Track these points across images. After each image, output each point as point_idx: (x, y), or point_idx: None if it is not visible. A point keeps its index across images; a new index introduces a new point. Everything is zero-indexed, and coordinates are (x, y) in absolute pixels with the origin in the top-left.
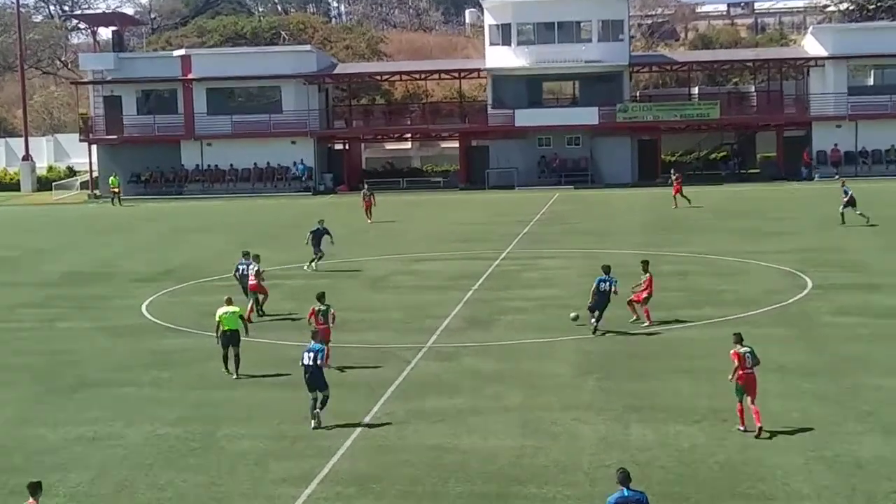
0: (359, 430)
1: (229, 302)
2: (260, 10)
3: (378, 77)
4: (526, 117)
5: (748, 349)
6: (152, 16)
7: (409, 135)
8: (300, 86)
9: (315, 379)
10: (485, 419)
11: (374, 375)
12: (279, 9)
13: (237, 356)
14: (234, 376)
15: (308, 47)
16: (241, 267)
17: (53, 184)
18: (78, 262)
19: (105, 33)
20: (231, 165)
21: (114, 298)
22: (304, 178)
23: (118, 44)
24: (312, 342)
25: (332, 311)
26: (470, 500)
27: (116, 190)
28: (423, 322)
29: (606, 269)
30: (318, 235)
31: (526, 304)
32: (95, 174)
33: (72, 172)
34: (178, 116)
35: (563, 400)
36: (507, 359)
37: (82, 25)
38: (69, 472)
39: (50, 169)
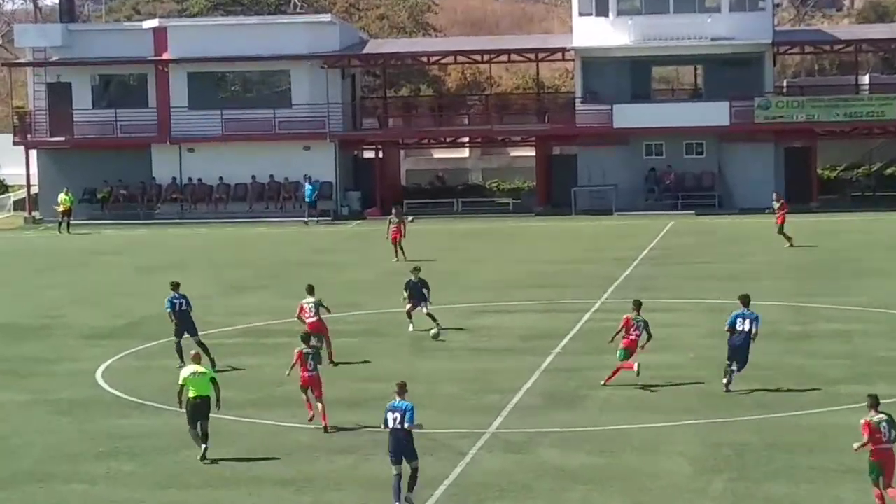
0: None
1: (197, 359)
2: None
3: (424, 59)
4: (628, 116)
5: (885, 417)
6: None
7: (466, 139)
8: (317, 70)
9: (402, 446)
10: None
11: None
12: None
13: (205, 433)
14: (203, 459)
15: (328, 17)
16: (176, 302)
17: None
18: (10, 312)
19: None
20: (221, 179)
21: (59, 361)
22: (313, 201)
23: (68, 13)
24: (397, 399)
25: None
26: None
27: (65, 210)
28: (485, 398)
29: (745, 301)
30: (416, 289)
31: (628, 375)
32: (35, 190)
33: (2, 187)
34: (149, 111)
35: None
36: (603, 451)
37: None
38: None
39: None
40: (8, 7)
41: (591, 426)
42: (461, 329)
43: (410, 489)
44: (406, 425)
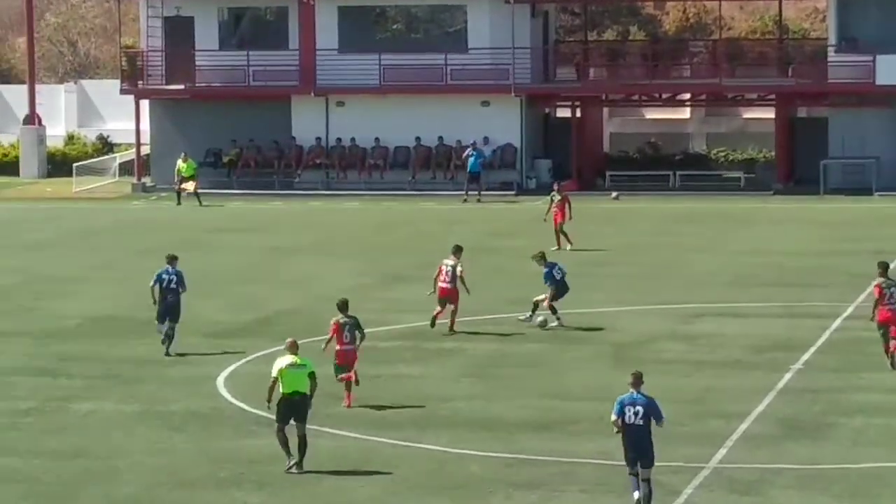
0: None
1: (293, 348)
2: None
3: None
4: None
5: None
6: None
7: (686, 96)
8: (500, 6)
9: (644, 445)
10: None
11: None
12: None
13: (302, 438)
14: (295, 469)
15: None
16: (164, 277)
17: (75, 165)
18: (111, 302)
19: None
20: (377, 141)
21: (173, 365)
22: (476, 172)
23: None
24: (631, 391)
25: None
26: None
27: (187, 179)
28: (707, 424)
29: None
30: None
31: (888, 399)
32: (146, 150)
33: (106, 146)
34: (290, 55)
35: None
36: (855, 495)
37: None
38: None
39: (70, 139)
40: None
41: (839, 463)
42: (676, 337)
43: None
44: (655, 422)
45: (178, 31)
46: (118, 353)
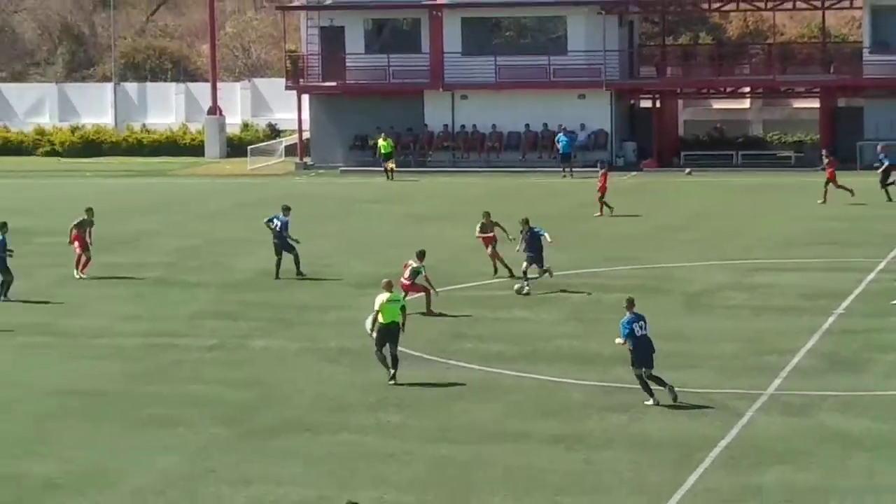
0: None
1: (388, 286)
2: None
3: (705, 5)
4: None
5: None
6: None
7: (747, 89)
8: (594, 17)
9: (651, 351)
10: (850, 502)
11: (691, 433)
12: None
13: (395, 357)
14: (392, 382)
15: None
16: (276, 221)
17: (249, 148)
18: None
19: None
20: (493, 128)
21: (329, 310)
22: (567, 153)
23: None
24: (628, 314)
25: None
26: None
27: (386, 155)
28: (763, 359)
29: None
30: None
31: None
32: (306, 135)
33: (274, 132)
34: (422, 57)
35: None
36: (889, 418)
37: None
38: None
39: (245, 127)
40: None
41: (875, 391)
42: (739, 287)
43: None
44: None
45: (332, 39)
46: (284, 300)
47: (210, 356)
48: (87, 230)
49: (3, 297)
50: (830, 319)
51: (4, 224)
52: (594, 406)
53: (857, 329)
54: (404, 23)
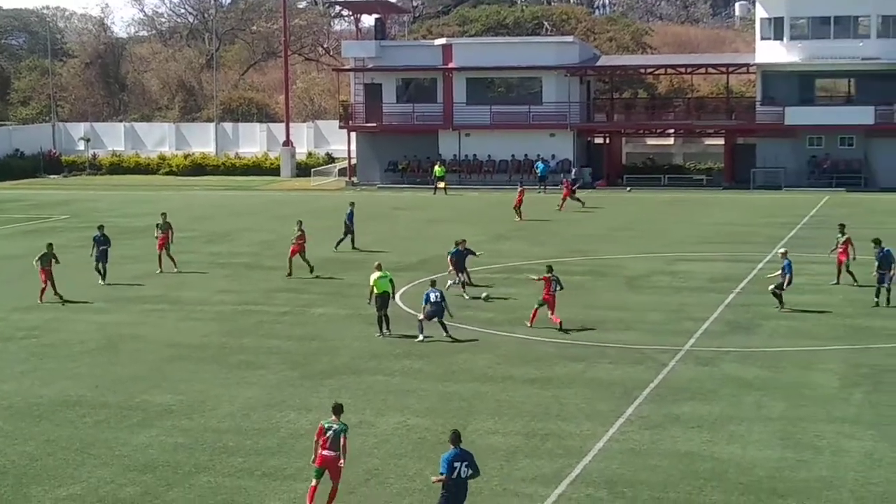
0: (611, 431)
1: (379, 268)
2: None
3: (642, 70)
4: (797, 115)
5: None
6: (415, 4)
7: (672, 130)
8: (561, 77)
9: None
10: (743, 428)
11: (629, 377)
12: None
13: (387, 318)
14: (388, 334)
15: (571, 38)
16: (349, 213)
17: (312, 170)
18: (342, 250)
19: (368, 21)
20: (488, 157)
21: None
22: (544, 176)
23: (380, 31)
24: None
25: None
26: None
27: (440, 179)
28: (682, 324)
29: (877, 242)
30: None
31: (791, 311)
32: (353, 161)
33: (330, 159)
34: (438, 105)
35: (828, 412)
36: (770, 366)
37: (345, 13)
38: None
39: (309, 155)
40: (337, 27)
41: (762, 347)
42: (664, 273)
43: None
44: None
45: (372, 92)
46: (337, 279)
47: (282, 319)
48: (169, 232)
49: (102, 281)
50: (730, 297)
51: (101, 226)
52: (560, 357)
53: (750, 304)
54: (425, 81)
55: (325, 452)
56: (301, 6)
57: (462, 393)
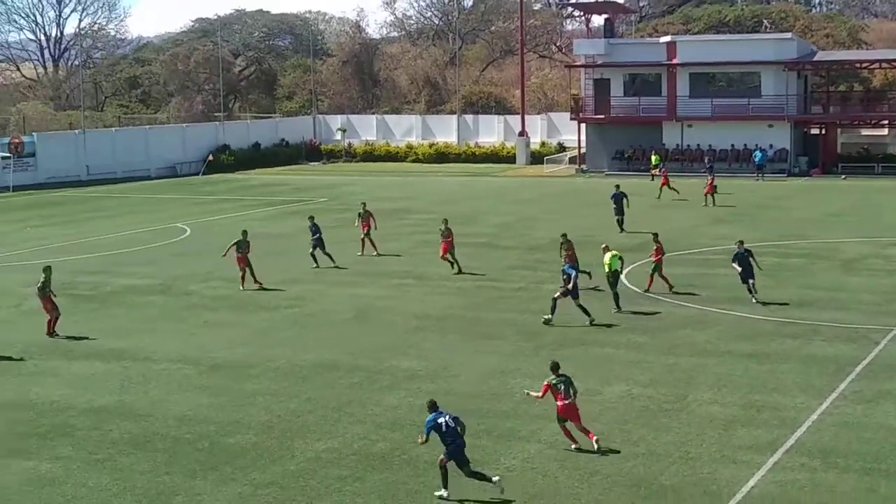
0: (825, 405)
1: (607, 249)
2: None
3: (857, 65)
4: None
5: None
6: (641, 4)
7: (885, 121)
8: (779, 72)
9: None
10: None
11: (843, 354)
12: None
13: (616, 294)
14: (615, 310)
15: (789, 35)
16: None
17: (545, 158)
18: (564, 230)
19: (597, 21)
20: (710, 146)
21: (591, 266)
22: (761, 164)
23: (609, 30)
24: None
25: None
26: None
27: (655, 167)
28: (894, 306)
29: None
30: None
31: None
32: (583, 150)
33: (562, 148)
34: (662, 99)
35: None
36: None
37: (577, 13)
38: (549, 420)
39: (542, 144)
40: (568, 27)
41: None
42: (878, 256)
43: None
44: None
45: (601, 86)
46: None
47: (517, 294)
48: (371, 220)
49: (331, 263)
50: None
51: (312, 217)
52: (777, 334)
53: None
54: (650, 76)
55: (561, 403)
56: (536, 7)
57: (683, 366)
